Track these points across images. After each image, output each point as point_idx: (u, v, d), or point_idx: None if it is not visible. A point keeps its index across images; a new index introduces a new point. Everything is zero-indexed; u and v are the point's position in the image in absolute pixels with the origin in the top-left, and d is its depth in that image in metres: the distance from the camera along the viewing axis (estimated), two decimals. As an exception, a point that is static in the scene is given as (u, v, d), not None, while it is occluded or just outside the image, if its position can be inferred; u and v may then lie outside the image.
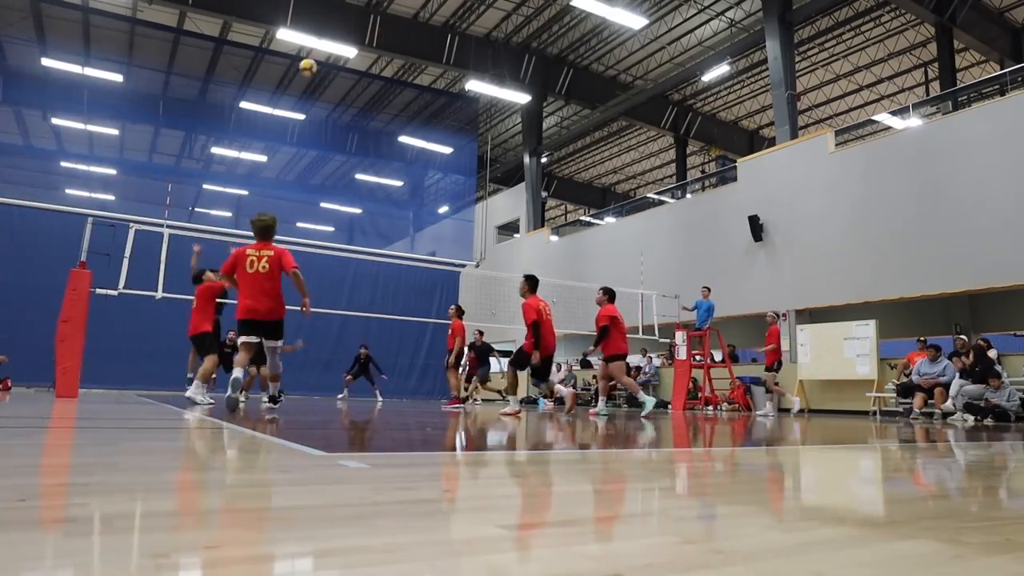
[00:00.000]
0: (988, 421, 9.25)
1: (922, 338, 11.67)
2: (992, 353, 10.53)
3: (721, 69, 19.09)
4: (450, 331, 11.23)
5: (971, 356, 10.08)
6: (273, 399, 7.09)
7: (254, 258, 6.11)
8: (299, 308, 6.34)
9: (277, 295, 6.16)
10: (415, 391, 16.72)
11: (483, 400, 14.46)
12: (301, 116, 21.94)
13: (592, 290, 15.63)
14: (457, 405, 10.59)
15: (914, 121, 13.71)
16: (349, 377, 14.29)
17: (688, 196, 19.45)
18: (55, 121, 20.98)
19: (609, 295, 9.01)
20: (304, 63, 7.87)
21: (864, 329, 12.27)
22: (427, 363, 16.82)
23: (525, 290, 8.08)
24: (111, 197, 22.91)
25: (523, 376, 10.51)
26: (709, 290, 12.94)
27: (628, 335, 15.25)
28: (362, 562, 1.05)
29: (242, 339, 6.15)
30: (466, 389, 14.02)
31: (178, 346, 14.15)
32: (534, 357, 7.89)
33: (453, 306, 11.71)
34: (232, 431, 4.11)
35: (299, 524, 1.35)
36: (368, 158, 25.06)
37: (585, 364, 19.44)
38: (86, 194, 23.67)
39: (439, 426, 5.47)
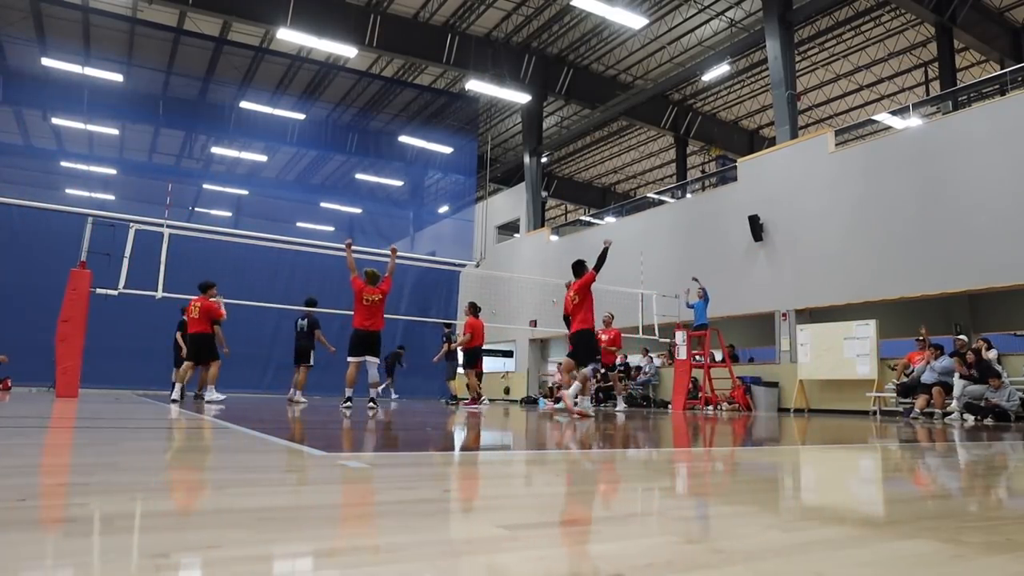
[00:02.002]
0: (988, 421, 9.25)
1: (920, 337, 11.67)
2: (992, 353, 10.52)
3: (721, 69, 19.08)
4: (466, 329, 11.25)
5: (969, 357, 10.07)
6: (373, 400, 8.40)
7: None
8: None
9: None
10: (415, 391, 16.73)
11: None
12: (301, 116, 21.92)
13: (593, 290, 15.63)
14: (476, 405, 10.56)
15: (914, 121, 13.70)
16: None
17: (688, 196, 19.44)
18: (55, 121, 20.97)
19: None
20: None
21: (864, 329, 12.26)
22: (427, 363, 16.81)
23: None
24: (111, 197, 22.89)
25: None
26: (703, 291, 13.03)
27: (629, 335, 15.34)
28: (362, 562, 1.05)
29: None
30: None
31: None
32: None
33: (469, 303, 11.73)
34: (233, 431, 4.11)
35: (299, 524, 1.35)
36: (368, 158, 25.05)
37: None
38: (86, 194, 23.65)
39: (439, 426, 5.47)
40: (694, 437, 5.15)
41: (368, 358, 8.23)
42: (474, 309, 11.41)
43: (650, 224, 18.12)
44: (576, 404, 7.85)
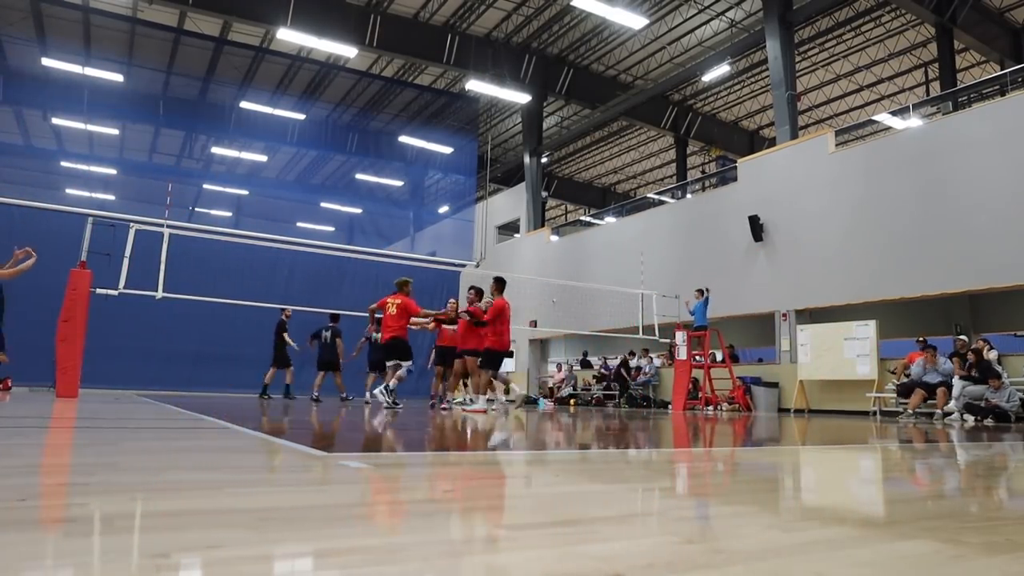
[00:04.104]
0: (988, 421, 9.25)
1: (921, 338, 11.68)
2: (993, 354, 10.51)
3: (721, 69, 19.08)
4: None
5: (970, 357, 10.06)
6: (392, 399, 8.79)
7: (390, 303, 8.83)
8: None
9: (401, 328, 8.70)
10: (415, 391, 16.69)
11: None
12: (301, 116, 21.92)
13: (593, 290, 15.67)
14: (444, 405, 10.08)
15: (914, 121, 13.70)
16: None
17: (688, 196, 19.45)
18: (55, 121, 20.96)
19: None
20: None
21: (864, 329, 12.26)
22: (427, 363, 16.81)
23: (494, 290, 8.94)
24: (111, 197, 22.90)
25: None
26: (701, 292, 13.05)
27: (630, 335, 15.35)
28: (362, 562, 1.05)
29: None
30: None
31: (178, 346, 14.20)
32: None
33: (453, 300, 11.55)
34: (233, 431, 4.11)
35: (299, 524, 1.35)
36: (368, 158, 25.05)
37: (585, 364, 19.46)
38: (86, 194, 23.65)
39: (438, 427, 5.47)
40: (694, 437, 5.15)
41: (396, 363, 8.64)
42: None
43: (650, 224, 18.12)
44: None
